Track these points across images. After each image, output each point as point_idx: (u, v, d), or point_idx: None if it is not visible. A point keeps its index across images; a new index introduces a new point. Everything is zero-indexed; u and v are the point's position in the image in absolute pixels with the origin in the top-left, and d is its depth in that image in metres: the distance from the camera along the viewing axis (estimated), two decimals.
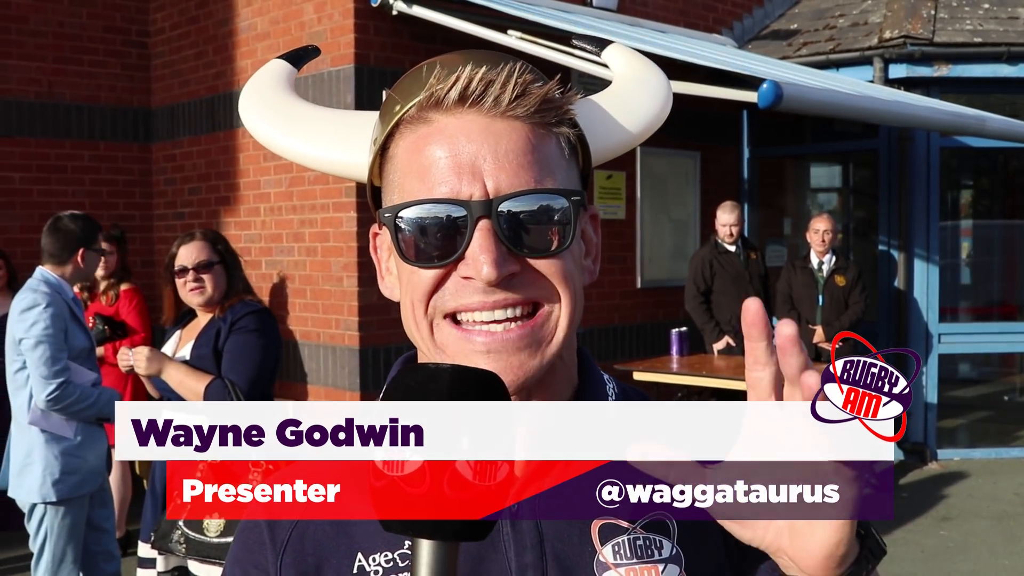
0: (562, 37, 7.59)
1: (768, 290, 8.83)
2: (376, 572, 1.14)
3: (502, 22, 7.48)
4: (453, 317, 1.10)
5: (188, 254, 4.37)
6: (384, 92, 7.45)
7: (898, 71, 9.33)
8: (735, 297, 8.61)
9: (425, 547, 0.93)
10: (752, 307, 0.91)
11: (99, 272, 7.06)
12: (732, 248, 8.67)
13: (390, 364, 7.50)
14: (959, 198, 10.88)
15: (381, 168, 1.16)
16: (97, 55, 9.11)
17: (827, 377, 0.92)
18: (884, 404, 0.93)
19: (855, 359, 0.93)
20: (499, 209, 1.05)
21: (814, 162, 11.68)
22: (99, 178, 9.11)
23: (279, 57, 1.58)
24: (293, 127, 1.41)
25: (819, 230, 8.61)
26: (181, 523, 4.17)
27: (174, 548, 4.19)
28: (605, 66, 1.62)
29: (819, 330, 8.55)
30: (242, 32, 8.43)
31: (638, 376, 8.41)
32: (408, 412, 0.92)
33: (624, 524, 1.13)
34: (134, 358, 4.35)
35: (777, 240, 11.06)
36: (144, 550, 4.33)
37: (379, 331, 7.49)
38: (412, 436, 0.92)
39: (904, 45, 9.17)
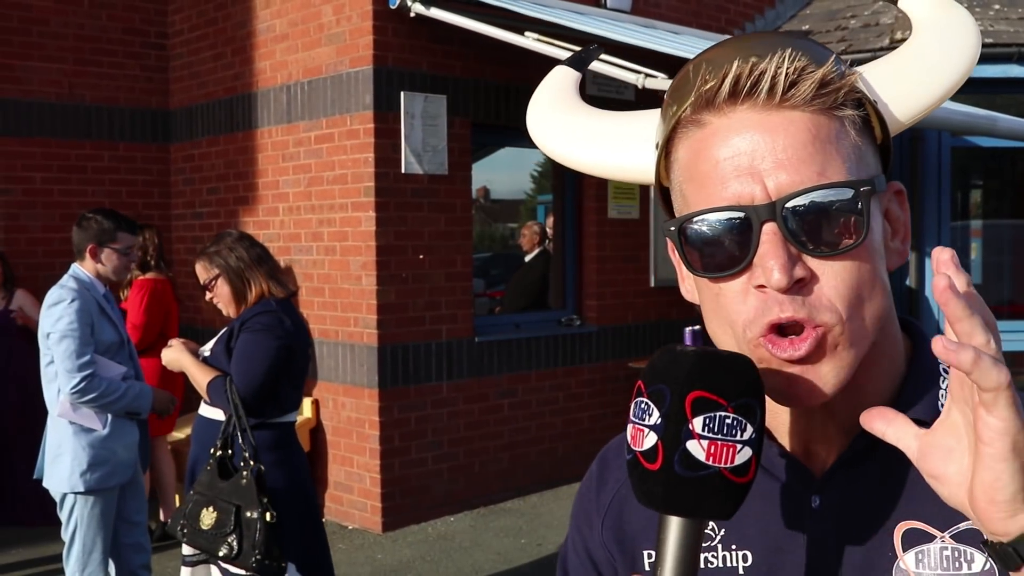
0: (578, 39, 7.67)
1: None
2: (647, 568, 1.21)
3: (519, 24, 7.55)
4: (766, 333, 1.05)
5: (198, 274, 4.65)
6: (402, 94, 7.54)
7: None
8: None
9: (672, 523, 0.98)
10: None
11: None
12: None
13: (408, 361, 7.61)
14: (970, 198, 10.93)
15: (667, 170, 1.14)
16: (116, 57, 9.22)
17: (687, 435, 0.96)
18: (738, 451, 0.97)
19: (715, 415, 0.96)
20: (783, 209, 1.01)
21: None
22: (119, 178, 9.22)
23: (563, 63, 1.56)
24: (580, 137, 1.40)
25: None
26: (186, 511, 4.31)
27: (177, 534, 4.34)
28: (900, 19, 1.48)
29: None
30: (260, 34, 8.52)
31: None
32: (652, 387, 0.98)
33: (933, 531, 1.08)
34: (163, 350, 4.58)
35: None
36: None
37: (397, 329, 7.57)
38: (648, 413, 0.98)
39: None
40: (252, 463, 4.23)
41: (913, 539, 1.08)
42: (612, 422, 9.14)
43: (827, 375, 1.03)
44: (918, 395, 1.11)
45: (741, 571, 1.15)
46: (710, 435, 0.95)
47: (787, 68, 1.02)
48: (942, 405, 1.07)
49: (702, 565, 1.11)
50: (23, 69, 8.73)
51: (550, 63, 7.53)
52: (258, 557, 4.12)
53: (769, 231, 1.01)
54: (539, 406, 8.63)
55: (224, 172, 8.93)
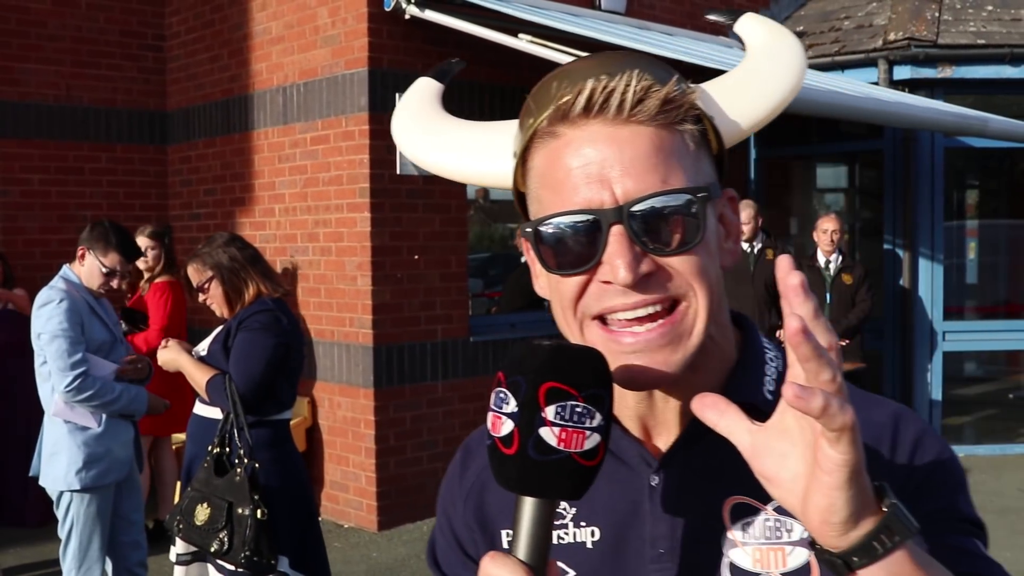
0: (572, 40, 7.72)
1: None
2: (506, 546, 1.28)
3: (513, 26, 7.60)
4: (600, 319, 1.15)
5: (191, 276, 4.72)
6: (397, 95, 7.59)
7: (903, 73, 9.43)
8: (732, 294, 8.75)
9: (526, 503, 1.06)
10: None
11: (142, 265, 7.27)
12: (743, 245, 8.81)
13: (403, 361, 7.65)
14: (964, 198, 10.99)
15: (524, 177, 1.23)
16: (114, 59, 9.26)
17: (540, 422, 1.03)
18: (587, 437, 1.04)
19: (567, 404, 1.03)
20: (629, 213, 1.10)
21: (820, 162, 11.80)
22: (116, 180, 9.27)
23: (426, 75, 1.68)
24: (441, 145, 1.51)
25: (827, 230, 8.74)
26: (182, 507, 4.37)
27: (174, 530, 4.40)
28: (740, 40, 1.65)
29: None
30: (257, 36, 8.57)
31: None
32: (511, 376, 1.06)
33: (758, 505, 1.18)
34: (159, 350, 4.62)
35: (784, 239, 11.17)
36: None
37: (392, 329, 7.62)
38: (506, 402, 1.06)
39: (908, 47, 9.29)
40: (247, 461, 4.29)
41: (740, 512, 1.19)
42: None
43: (669, 360, 1.13)
44: (746, 380, 1.22)
45: (590, 545, 1.25)
46: (561, 422, 1.02)
47: (635, 87, 1.12)
48: (768, 390, 1.22)
49: (555, 541, 1.20)
50: (21, 71, 8.77)
51: (544, 65, 7.57)
52: (247, 553, 4.18)
53: (616, 232, 1.10)
54: None
55: (221, 173, 8.98)
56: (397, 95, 7.61)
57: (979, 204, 11.15)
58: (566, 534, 1.26)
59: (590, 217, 1.12)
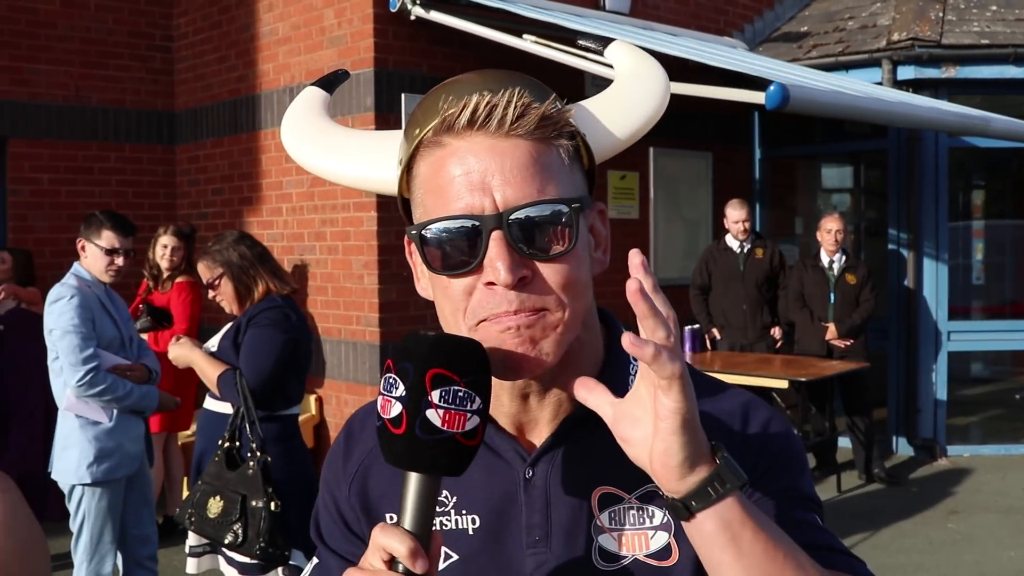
0: (575, 40, 7.77)
1: (775, 287, 9.00)
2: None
3: (518, 26, 7.66)
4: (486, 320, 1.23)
5: (201, 273, 4.80)
6: (403, 96, 7.65)
7: (906, 73, 9.46)
8: (723, 293, 8.95)
9: (412, 479, 1.15)
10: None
11: (164, 264, 7.34)
12: (734, 245, 8.90)
13: None
14: (969, 198, 11.01)
15: (408, 184, 1.31)
16: (122, 59, 9.34)
17: (426, 405, 1.13)
18: (468, 419, 1.14)
19: (450, 388, 1.13)
20: (509, 220, 1.19)
21: (825, 162, 11.83)
22: (125, 179, 9.34)
23: (312, 84, 1.76)
24: (328, 150, 1.59)
25: (830, 230, 8.77)
26: (193, 501, 4.43)
27: (186, 522, 4.47)
28: (609, 66, 1.77)
29: (831, 327, 8.72)
30: (264, 37, 8.63)
31: None
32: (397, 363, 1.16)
33: (622, 494, 1.30)
34: (170, 346, 4.67)
35: (789, 239, 11.21)
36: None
37: (399, 327, 7.68)
38: (395, 387, 1.15)
39: (912, 47, 9.32)
40: (259, 454, 4.35)
41: (607, 501, 1.31)
42: None
43: (545, 350, 1.22)
44: (613, 379, 1.27)
45: (471, 532, 1.34)
46: (445, 405, 1.12)
47: (516, 103, 1.21)
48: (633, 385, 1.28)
49: (439, 527, 1.33)
50: (31, 72, 8.85)
51: (548, 65, 7.62)
52: (262, 545, 4.25)
53: (497, 237, 1.19)
54: None
55: (228, 173, 9.05)
56: (403, 95, 7.68)
57: (984, 204, 11.17)
58: (448, 521, 1.35)
59: (473, 222, 1.20)
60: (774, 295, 9.01)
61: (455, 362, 1.13)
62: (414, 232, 1.25)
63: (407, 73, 7.78)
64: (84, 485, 4.92)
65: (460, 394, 1.12)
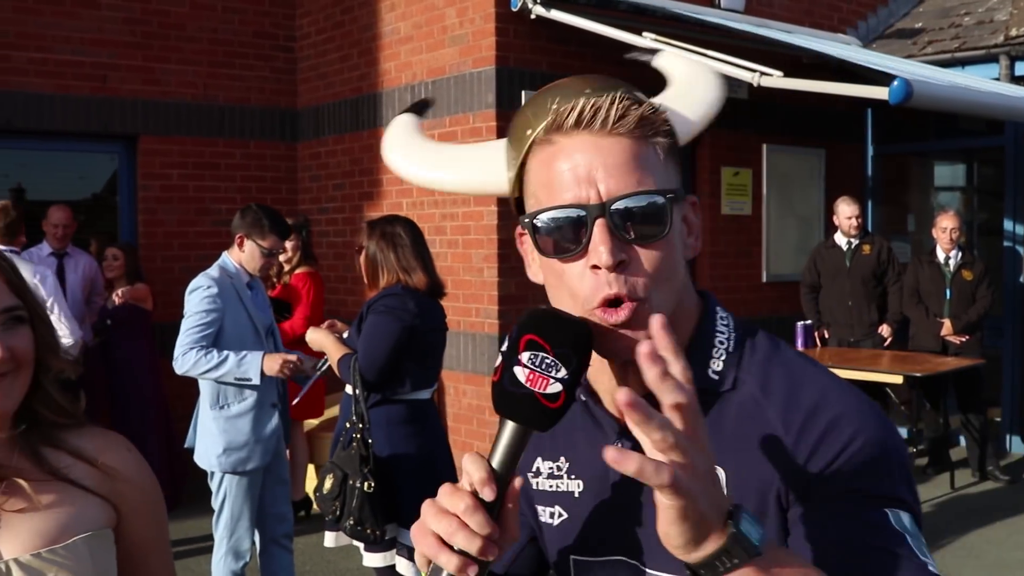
0: (694, 38, 7.86)
1: (883, 284, 8.97)
2: (541, 474, 1.60)
3: (636, 24, 7.77)
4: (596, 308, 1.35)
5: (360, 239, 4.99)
6: (523, 93, 7.80)
7: None
8: (829, 290, 8.94)
9: (504, 425, 1.30)
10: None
11: (281, 258, 7.52)
12: (842, 242, 8.90)
13: None
14: None
15: (521, 179, 1.45)
16: (248, 59, 9.66)
17: (515, 362, 1.28)
18: (551, 384, 1.27)
19: (538, 354, 1.27)
20: (611, 209, 1.32)
21: (938, 159, 11.72)
22: (249, 175, 9.66)
23: (404, 112, 1.96)
24: (434, 164, 1.77)
25: (946, 228, 8.73)
26: (320, 477, 4.63)
27: (314, 500, 4.68)
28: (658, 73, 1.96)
29: (947, 323, 8.69)
30: (386, 36, 8.86)
31: None
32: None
33: None
34: (310, 330, 5.01)
35: (900, 236, 11.14)
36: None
37: (517, 319, 7.80)
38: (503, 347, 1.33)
39: None
40: (361, 435, 4.53)
41: None
42: None
43: (640, 334, 1.31)
44: (693, 364, 1.32)
45: (576, 495, 1.53)
46: (531, 367, 1.27)
47: (617, 105, 1.34)
48: (714, 370, 1.42)
49: (555, 489, 1.55)
50: (162, 72, 9.20)
51: None
52: (351, 523, 4.43)
53: (600, 224, 1.32)
54: None
55: (349, 169, 9.30)
56: (523, 92, 7.83)
57: None
58: (561, 484, 1.55)
59: (580, 212, 1.33)
60: (882, 292, 8.99)
61: (550, 334, 1.29)
62: (527, 221, 1.40)
63: (527, 71, 7.93)
64: (222, 471, 5.13)
65: (547, 360, 1.27)
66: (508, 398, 1.28)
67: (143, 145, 9.16)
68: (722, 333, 1.46)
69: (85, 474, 1.73)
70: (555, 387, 1.27)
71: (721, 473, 1.35)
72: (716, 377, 1.42)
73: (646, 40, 7.64)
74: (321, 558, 6.73)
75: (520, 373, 1.27)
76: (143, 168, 9.13)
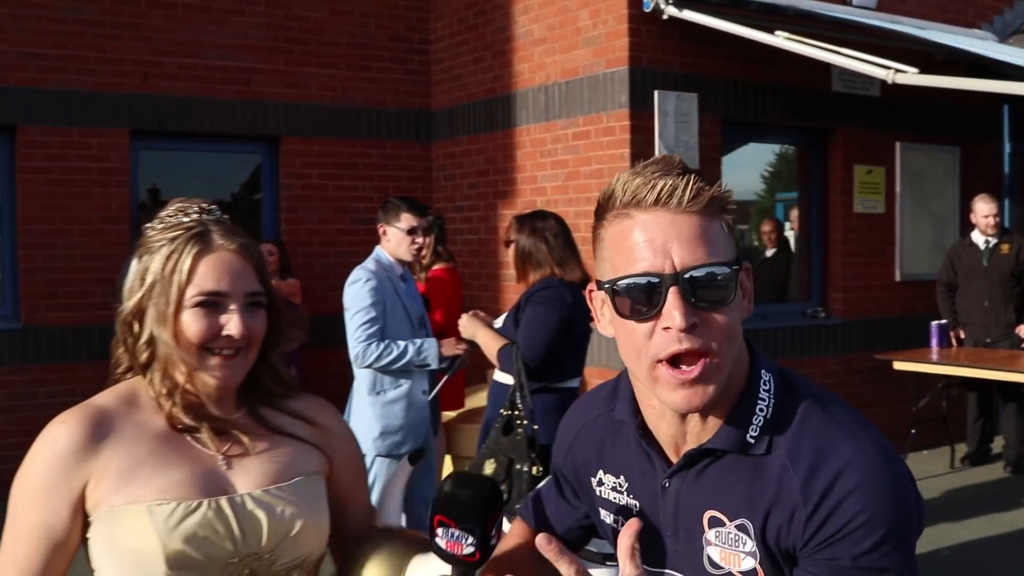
0: (827, 36, 7.87)
1: (1021, 284, 8.83)
2: (605, 484, 1.83)
3: (768, 23, 7.81)
4: (662, 361, 1.54)
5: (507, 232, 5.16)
6: (656, 93, 7.90)
7: None
8: (966, 291, 8.85)
9: (450, 568, 1.73)
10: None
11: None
12: (979, 241, 8.80)
13: None
14: None
15: (595, 245, 1.65)
16: (384, 62, 9.95)
17: (435, 536, 1.70)
18: (465, 547, 1.68)
19: (448, 529, 1.69)
20: (683, 277, 1.50)
21: None
22: (385, 174, 9.95)
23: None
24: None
25: None
26: (474, 463, 4.84)
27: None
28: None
29: None
30: (519, 38, 9.04)
31: (898, 366, 8.62)
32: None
33: (724, 519, 1.62)
34: (462, 318, 5.16)
35: None
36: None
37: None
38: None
39: None
40: (527, 422, 4.69)
41: (713, 522, 1.63)
42: None
43: (707, 390, 1.54)
44: (735, 425, 1.62)
45: (634, 511, 1.76)
46: (447, 538, 1.68)
47: (691, 186, 1.52)
48: (751, 435, 1.60)
49: (617, 501, 1.79)
50: (302, 75, 9.53)
51: (799, 60, 7.75)
52: (519, 506, 4.58)
53: (674, 291, 1.50)
54: None
55: (484, 168, 9.51)
56: (655, 92, 7.93)
57: None
58: (622, 498, 1.78)
59: (655, 279, 1.51)
60: (1020, 292, 8.86)
61: (453, 513, 1.67)
62: (607, 285, 1.58)
63: (660, 71, 8.03)
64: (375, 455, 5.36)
65: (455, 533, 1.65)
66: (440, 553, 1.68)
67: (285, 146, 9.50)
68: (763, 400, 1.63)
69: (301, 429, 2.01)
70: (469, 549, 1.65)
71: (749, 524, 1.58)
72: (752, 442, 1.60)
73: (779, 39, 7.68)
74: None
75: (441, 542, 1.66)
76: (285, 168, 9.48)
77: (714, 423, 1.61)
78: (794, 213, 10.22)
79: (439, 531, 1.64)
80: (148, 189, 9.29)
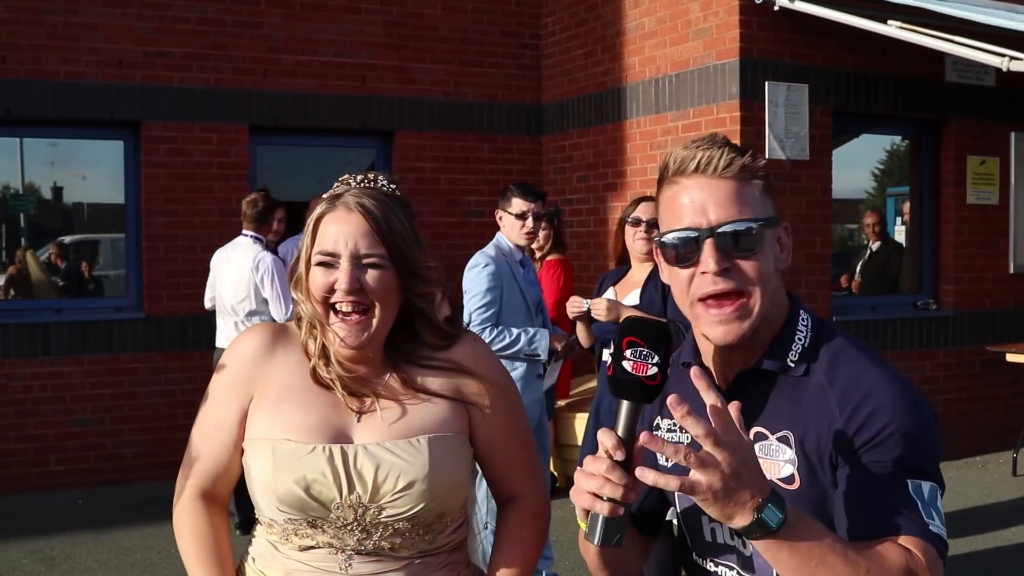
0: (942, 26, 7.82)
1: None
2: (661, 428, 2.08)
3: (880, 13, 7.80)
4: (701, 300, 1.84)
5: (645, 210, 5.15)
6: (767, 84, 7.94)
7: None
8: None
9: (622, 404, 1.71)
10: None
11: (534, 245, 7.88)
12: None
13: None
14: None
15: (657, 206, 1.97)
16: (495, 57, 10.14)
17: (622, 358, 1.70)
18: (649, 368, 1.69)
19: (636, 348, 1.70)
20: (717, 232, 1.80)
21: None
22: (496, 168, 10.13)
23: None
24: None
25: None
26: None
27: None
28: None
29: None
30: (630, 32, 9.15)
31: (1011, 358, 8.54)
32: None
33: (767, 432, 1.87)
34: (594, 307, 5.12)
35: None
36: None
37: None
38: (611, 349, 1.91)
39: None
40: None
41: (758, 437, 1.87)
42: (968, 407, 9.20)
43: (742, 326, 1.83)
44: (778, 351, 1.89)
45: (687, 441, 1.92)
46: (633, 359, 1.70)
47: (725, 156, 1.83)
48: (791, 359, 1.87)
49: (676, 439, 1.98)
50: (416, 71, 9.77)
51: (912, 50, 7.72)
52: None
53: (709, 243, 1.81)
54: None
55: (593, 161, 9.64)
56: (766, 83, 7.99)
57: None
58: (679, 435, 2.00)
59: (694, 233, 1.82)
60: None
61: (641, 334, 1.71)
62: (658, 239, 1.90)
63: (770, 62, 8.08)
64: None
65: (643, 352, 1.69)
66: (621, 384, 1.71)
67: (399, 140, 9.75)
68: (801, 332, 1.91)
69: (447, 386, 2.16)
70: (652, 370, 1.71)
71: (790, 435, 1.82)
72: (792, 365, 1.86)
73: (891, 28, 7.66)
74: (566, 529, 7.05)
75: (627, 364, 1.70)
76: (399, 162, 9.70)
77: (758, 352, 1.88)
78: (906, 207, 10.16)
79: (627, 352, 1.71)
80: (265, 183, 9.60)
